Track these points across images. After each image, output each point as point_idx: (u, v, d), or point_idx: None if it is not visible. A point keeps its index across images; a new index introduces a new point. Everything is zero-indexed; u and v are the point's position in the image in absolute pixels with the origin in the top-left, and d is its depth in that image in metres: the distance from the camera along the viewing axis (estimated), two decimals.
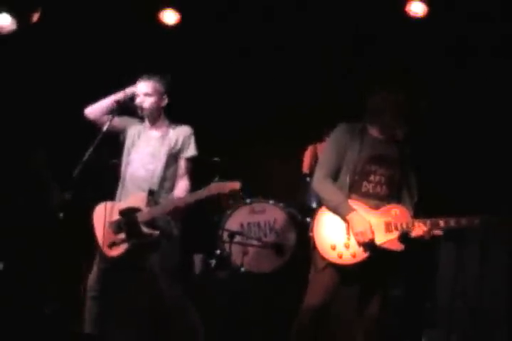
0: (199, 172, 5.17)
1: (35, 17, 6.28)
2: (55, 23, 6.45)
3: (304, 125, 6.73)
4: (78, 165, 4.65)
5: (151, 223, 4.79)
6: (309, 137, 6.65)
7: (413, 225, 4.53)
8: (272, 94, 7.06)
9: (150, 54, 6.66)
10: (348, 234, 4.56)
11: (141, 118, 5.10)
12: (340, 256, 4.54)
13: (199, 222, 6.50)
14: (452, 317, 5.68)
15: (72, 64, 6.64)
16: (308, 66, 6.95)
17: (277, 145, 7.02)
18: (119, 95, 5.01)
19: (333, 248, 4.54)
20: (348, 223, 4.53)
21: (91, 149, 4.72)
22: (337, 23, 6.57)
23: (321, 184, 4.64)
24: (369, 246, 4.51)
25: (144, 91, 4.98)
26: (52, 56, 6.61)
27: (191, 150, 5.02)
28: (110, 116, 4.91)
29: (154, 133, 5.04)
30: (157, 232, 4.78)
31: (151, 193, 4.81)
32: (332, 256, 4.55)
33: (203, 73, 6.98)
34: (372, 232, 4.50)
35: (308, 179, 6.41)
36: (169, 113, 5.12)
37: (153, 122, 5.04)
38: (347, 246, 4.54)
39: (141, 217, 4.77)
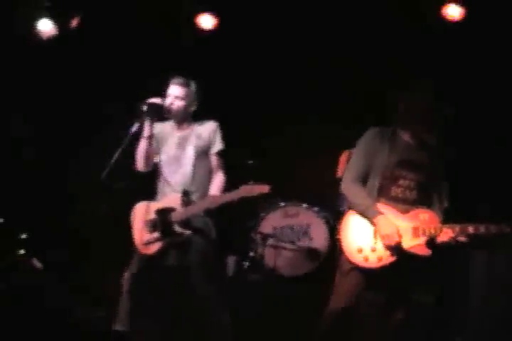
0: (233, 175, 5.20)
1: (75, 23, 6.39)
2: (94, 27, 6.55)
3: (341, 130, 6.73)
4: (106, 167, 4.74)
5: (185, 223, 4.85)
6: (346, 142, 6.64)
7: (440, 231, 4.51)
8: (310, 99, 7.07)
9: (186, 58, 6.72)
10: (375, 237, 4.54)
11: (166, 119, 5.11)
12: (366, 260, 4.52)
13: (233, 224, 6.58)
14: (483, 325, 5.62)
15: (110, 67, 6.72)
16: (346, 71, 6.95)
17: (312, 149, 7.01)
18: (153, 99, 5.02)
19: (360, 251, 4.53)
20: (376, 226, 4.52)
21: (119, 152, 4.79)
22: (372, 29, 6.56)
23: (349, 187, 4.64)
24: (396, 249, 4.49)
25: (175, 94, 4.98)
26: (92, 59, 6.71)
27: (218, 145, 5.02)
28: (146, 119, 4.92)
29: (180, 134, 5.04)
30: (189, 232, 4.84)
31: (185, 194, 4.87)
32: (358, 259, 4.54)
33: (239, 76, 7.02)
34: (400, 235, 4.48)
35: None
36: (203, 116, 5.14)
37: (180, 124, 5.06)
38: (373, 250, 4.53)
39: (174, 216, 4.84)
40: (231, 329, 4.97)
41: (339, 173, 6.61)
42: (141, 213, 4.98)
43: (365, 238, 4.57)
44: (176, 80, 5.02)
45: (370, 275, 4.57)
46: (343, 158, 6.63)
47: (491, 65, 6.38)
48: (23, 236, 6.46)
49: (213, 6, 6.74)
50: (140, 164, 5.01)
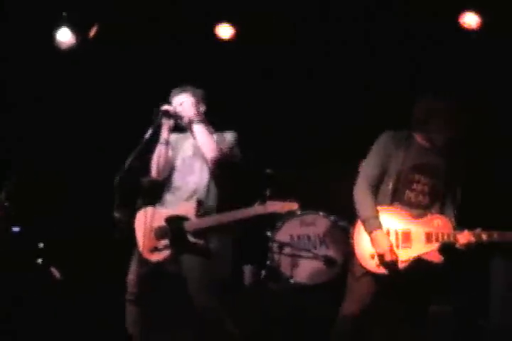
0: (251, 183, 5.18)
1: (93, 32, 6.44)
2: (110, 36, 6.61)
3: (358, 136, 6.70)
4: (119, 172, 4.73)
5: (199, 233, 4.80)
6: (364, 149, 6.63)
7: (455, 236, 4.44)
8: (326, 104, 7.07)
9: (206, 68, 6.75)
10: None
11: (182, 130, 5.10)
12: (379, 266, 4.49)
13: (251, 233, 6.56)
14: (505, 335, 5.54)
15: (125, 77, 6.77)
16: (368, 86, 6.93)
17: (330, 157, 6.99)
18: (166, 107, 5.01)
19: (372, 257, 4.50)
20: (371, 241, 4.48)
21: (132, 158, 4.79)
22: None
23: (359, 193, 4.60)
24: (390, 266, 4.45)
25: (179, 101, 5.00)
26: (106, 69, 6.76)
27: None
28: (162, 124, 4.93)
29: (195, 142, 5.00)
30: (202, 242, 4.80)
31: (200, 203, 4.84)
32: (370, 265, 4.50)
33: (262, 88, 7.03)
34: (394, 253, 4.43)
35: None
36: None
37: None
38: None
39: (188, 226, 4.80)
40: (238, 338, 4.88)
41: None
42: (148, 218, 4.89)
43: None
44: (174, 92, 5.06)
45: (383, 282, 4.52)
46: (361, 166, 6.62)
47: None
48: (41, 245, 6.46)
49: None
50: (155, 171, 4.99)
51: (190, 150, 5.03)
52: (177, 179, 5.00)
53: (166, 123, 4.94)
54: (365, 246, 4.54)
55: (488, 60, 6.35)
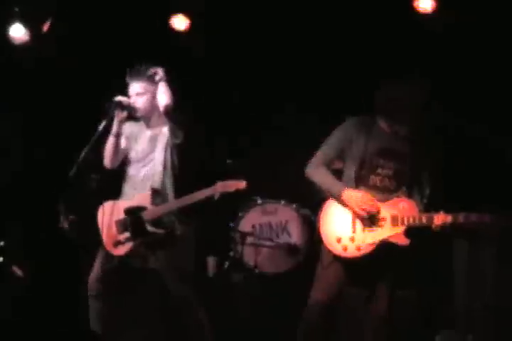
0: (212, 174, 5.16)
1: (46, 26, 6.37)
2: (66, 29, 6.54)
3: (318, 125, 6.69)
4: (74, 164, 4.69)
5: (156, 222, 4.81)
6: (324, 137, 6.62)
7: (419, 220, 4.46)
8: (286, 93, 7.05)
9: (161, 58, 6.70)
10: (353, 227, 4.54)
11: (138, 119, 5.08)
12: (345, 249, 4.51)
13: (214, 225, 6.55)
14: (469, 317, 5.56)
15: (78, 70, 6.70)
16: (323, 69, 6.92)
17: (290, 146, 6.98)
18: (120, 98, 4.96)
19: (339, 240, 4.53)
20: (345, 202, 4.50)
21: (86, 150, 4.74)
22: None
23: (313, 169, 4.65)
24: (374, 217, 4.49)
25: (135, 91, 4.96)
26: (60, 61, 6.68)
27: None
28: (114, 116, 4.89)
29: (149, 133, 5.01)
30: (161, 231, 4.80)
31: (154, 192, 4.83)
32: (337, 249, 4.53)
33: (214, 73, 7.00)
34: (374, 202, 4.49)
35: None
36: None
37: (148, 122, 5.02)
38: (352, 240, 4.52)
39: (146, 215, 4.80)
40: (210, 328, 4.91)
41: None
42: (109, 213, 4.90)
43: (344, 228, 4.56)
44: (132, 76, 4.98)
45: (351, 268, 4.55)
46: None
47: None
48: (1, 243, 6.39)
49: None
50: (107, 161, 5.00)
51: (144, 141, 5.01)
52: (132, 170, 4.99)
53: (119, 115, 4.91)
54: (330, 230, 4.58)
55: (446, 46, 6.35)
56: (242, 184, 4.68)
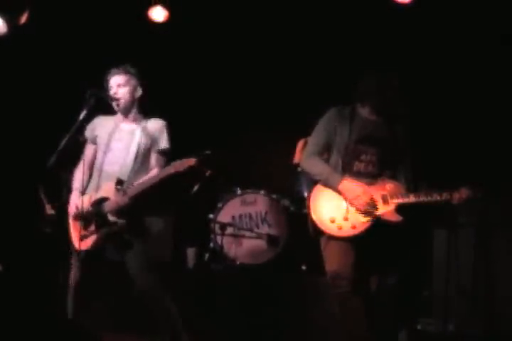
0: None
1: (24, 18, 6.34)
2: (44, 22, 6.52)
3: (297, 117, 6.73)
4: (53, 154, 4.67)
5: (118, 212, 4.76)
6: (302, 129, 6.64)
7: (408, 198, 4.58)
8: (264, 86, 7.07)
9: (139, 51, 6.70)
10: (346, 207, 4.61)
11: (114, 113, 5.04)
12: (340, 228, 4.59)
13: (193, 216, 6.55)
14: (448, 305, 5.61)
15: (60, 62, 6.69)
16: (302, 59, 6.95)
17: (270, 137, 7.00)
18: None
19: (332, 221, 4.60)
20: (342, 192, 4.59)
21: (66, 139, 4.72)
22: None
23: (308, 160, 4.74)
24: (370, 208, 4.57)
25: (117, 82, 4.93)
26: (41, 53, 6.67)
27: (163, 143, 4.93)
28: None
29: (126, 127, 4.96)
30: (122, 221, 4.75)
31: (119, 183, 4.78)
32: (331, 229, 4.60)
33: (191, 66, 7.02)
34: (369, 193, 4.57)
35: (299, 169, 6.38)
36: (157, 107, 5.08)
37: (126, 115, 4.97)
38: (346, 219, 4.60)
39: (107, 206, 4.76)
40: (178, 317, 4.85)
41: (296, 159, 6.63)
42: (73, 207, 4.87)
43: (336, 209, 4.63)
44: (114, 71, 4.97)
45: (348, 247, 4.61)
46: (299, 145, 6.64)
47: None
48: None
49: None
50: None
51: (117, 136, 4.95)
52: (105, 163, 4.92)
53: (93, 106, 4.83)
54: (322, 212, 4.65)
55: (425, 33, 6.41)
56: (191, 161, 4.64)
